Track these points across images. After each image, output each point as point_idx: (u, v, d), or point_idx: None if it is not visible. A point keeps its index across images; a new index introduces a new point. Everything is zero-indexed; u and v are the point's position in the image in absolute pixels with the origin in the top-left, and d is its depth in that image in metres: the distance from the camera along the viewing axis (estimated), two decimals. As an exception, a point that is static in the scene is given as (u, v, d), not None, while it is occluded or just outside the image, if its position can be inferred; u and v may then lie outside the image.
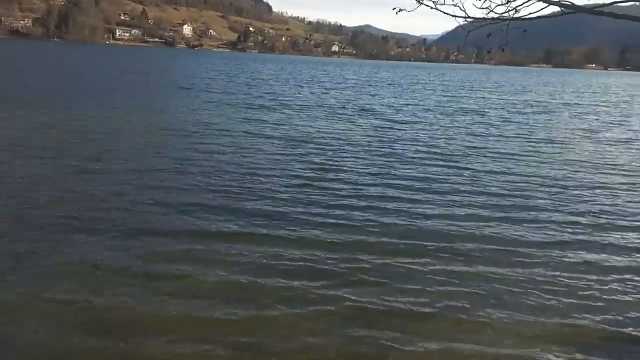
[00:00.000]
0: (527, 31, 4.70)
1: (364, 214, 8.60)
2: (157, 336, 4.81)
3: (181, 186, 9.90)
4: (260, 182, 10.60)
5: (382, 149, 15.07)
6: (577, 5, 4.55)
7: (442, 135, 18.59)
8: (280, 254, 6.65)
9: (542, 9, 4.71)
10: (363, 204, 9.26)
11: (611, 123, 25.38)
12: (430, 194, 10.15)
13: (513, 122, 23.80)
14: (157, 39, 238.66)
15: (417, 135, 18.17)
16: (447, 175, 11.87)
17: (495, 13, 5.23)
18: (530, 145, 16.85)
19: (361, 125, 20.17)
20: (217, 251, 6.78)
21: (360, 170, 12.07)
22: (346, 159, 13.39)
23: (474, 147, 16.01)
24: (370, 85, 49.58)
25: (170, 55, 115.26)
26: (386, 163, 13.15)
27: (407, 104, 30.48)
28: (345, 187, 10.42)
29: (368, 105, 28.35)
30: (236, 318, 5.16)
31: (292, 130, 18.03)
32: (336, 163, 12.84)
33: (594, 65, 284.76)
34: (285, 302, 5.49)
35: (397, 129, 19.59)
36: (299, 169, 11.98)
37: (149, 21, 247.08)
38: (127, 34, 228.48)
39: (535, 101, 37.55)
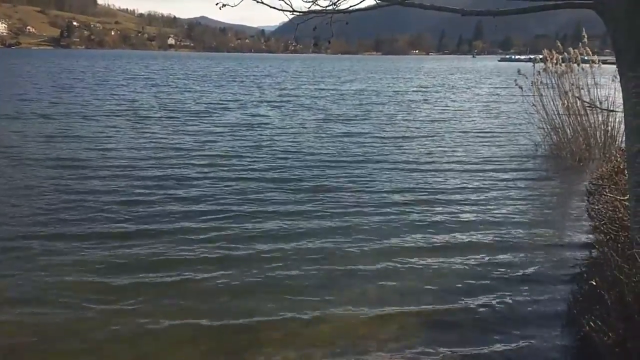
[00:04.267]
0: (348, 23, 4.88)
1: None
2: None
3: None
4: None
5: (208, 165, 12.07)
6: (390, -3, 4.83)
7: (282, 138, 15.99)
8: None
9: (360, 2, 4.92)
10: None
11: (458, 111, 24.34)
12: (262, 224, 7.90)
13: (363, 118, 21.11)
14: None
15: (249, 142, 15.29)
16: (289, 194, 9.62)
17: (320, 6, 5.36)
18: (387, 146, 14.86)
19: (188, 132, 16.77)
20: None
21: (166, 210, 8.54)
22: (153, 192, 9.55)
23: (321, 154, 13.47)
24: (205, 80, 46.30)
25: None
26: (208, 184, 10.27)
27: (241, 100, 28.43)
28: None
29: (196, 105, 25.11)
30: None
31: (82, 145, 13.98)
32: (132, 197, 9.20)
33: (417, 51, 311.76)
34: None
35: (228, 134, 16.70)
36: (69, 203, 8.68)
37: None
38: None
39: (375, 90, 38.05)
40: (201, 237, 7.30)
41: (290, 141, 15.52)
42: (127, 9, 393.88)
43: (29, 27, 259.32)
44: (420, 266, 6.48)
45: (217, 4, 4.69)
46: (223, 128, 18.00)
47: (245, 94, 32.75)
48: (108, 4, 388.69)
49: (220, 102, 27.52)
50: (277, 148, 14.40)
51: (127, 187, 9.95)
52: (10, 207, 8.49)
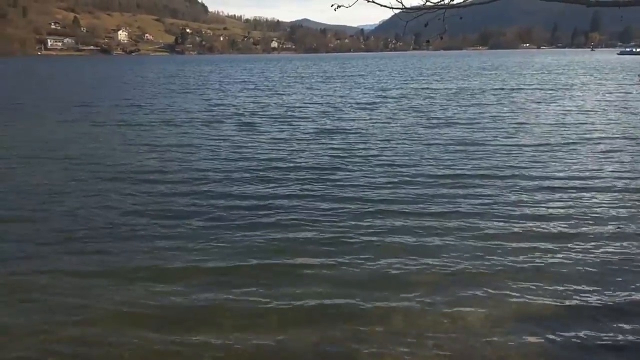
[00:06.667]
0: (462, 18, 4.78)
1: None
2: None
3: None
4: None
5: (295, 178, 11.29)
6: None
7: (381, 147, 14.70)
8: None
9: (474, -5, 4.81)
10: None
11: (578, 113, 21.55)
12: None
13: (473, 123, 19.15)
14: (91, 47, 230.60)
15: (344, 152, 14.10)
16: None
17: (431, 2, 5.30)
18: (504, 156, 13.16)
19: (272, 140, 16.21)
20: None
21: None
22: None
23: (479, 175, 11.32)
24: (298, 82, 46.57)
25: (93, 63, 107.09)
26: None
27: (335, 103, 27.60)
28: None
29: (286, 110, 24.28)
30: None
31: (162, 155, 13.88)
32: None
33: (527, 44, 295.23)
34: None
35: (319, 141, 15.79)
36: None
37: (82, 29, 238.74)
38: (60, 44, 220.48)
39: (482, 89, 36.09)
40: (302, 258, 7.00)
41: (391, 150, 14.26)
42: (234, 15, 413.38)
43: (147, 35, 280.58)
44: (549, 284, 6.27)
45: (332, 6, 4.78)
46: (313, 135, 17.01)
47: (342, 96, 31.81)
48: (217, 12, 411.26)
49: (313, 104, 27.00)
50: (376, 159, 12.95)
51: (208, 198, 9.77)
52: (90, 220, 8.57)
